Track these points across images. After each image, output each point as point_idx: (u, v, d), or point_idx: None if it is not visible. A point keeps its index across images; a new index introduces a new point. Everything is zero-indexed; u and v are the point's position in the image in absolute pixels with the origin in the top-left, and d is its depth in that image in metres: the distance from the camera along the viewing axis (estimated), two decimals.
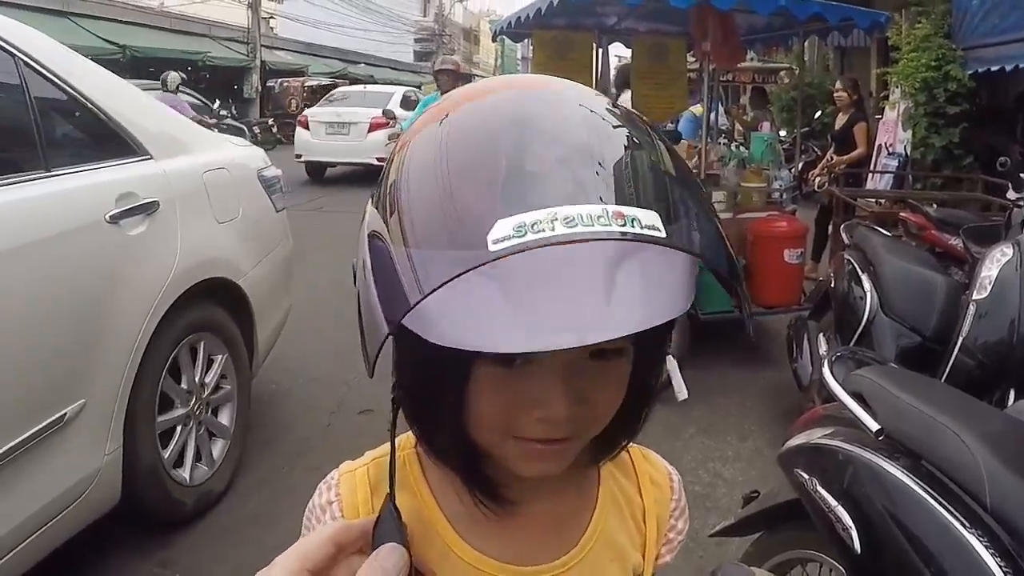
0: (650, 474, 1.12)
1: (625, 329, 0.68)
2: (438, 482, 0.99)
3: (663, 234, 0.66)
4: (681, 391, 0.94)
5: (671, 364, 0.93)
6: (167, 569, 3.62)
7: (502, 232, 0.63)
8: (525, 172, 0.68)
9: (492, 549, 0.97)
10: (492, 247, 0.63)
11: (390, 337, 0.72)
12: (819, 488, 2.29)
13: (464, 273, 0.64)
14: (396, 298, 0.68)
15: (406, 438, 1.00)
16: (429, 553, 0.94)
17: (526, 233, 0.63)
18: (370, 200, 0.79)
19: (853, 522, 2.14)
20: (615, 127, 0.76)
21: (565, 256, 0.66)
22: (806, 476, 2.36)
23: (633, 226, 0.65)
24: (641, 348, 0.85)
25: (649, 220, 0.66)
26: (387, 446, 0.99)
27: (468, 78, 9.52)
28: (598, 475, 1.06)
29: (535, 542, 1.00)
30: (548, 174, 0.68)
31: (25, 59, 3.22)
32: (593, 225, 0.64)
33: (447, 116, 0.77)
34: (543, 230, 0.63)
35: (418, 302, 0.66)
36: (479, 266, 0.64)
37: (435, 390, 0.84)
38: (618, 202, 0.66)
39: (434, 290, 0.65)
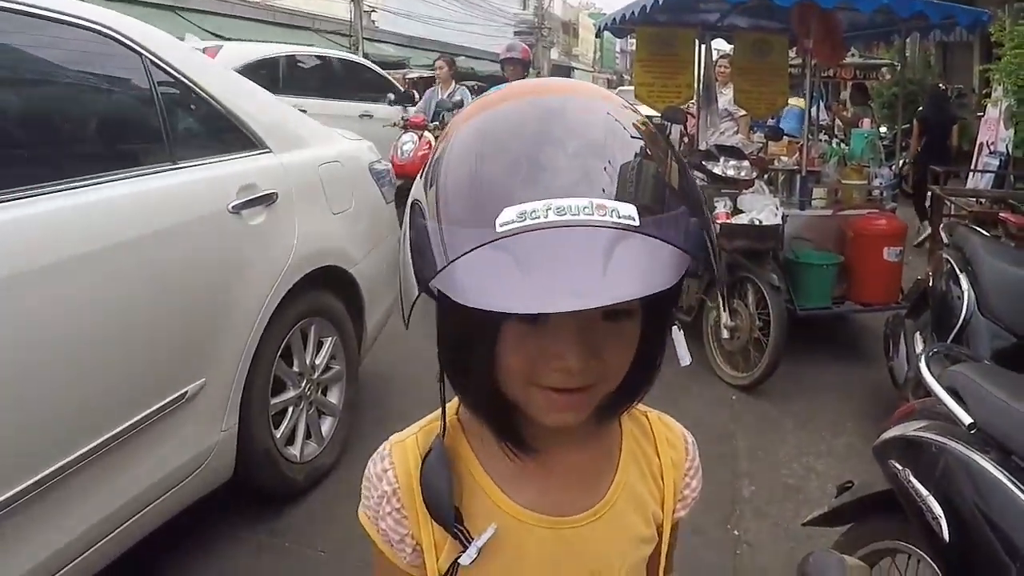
0: (666, 436, 1.25)
1: (616, 297, 0.84)
2: (480, 445, 1.14)
3: (636, 223, 0.82)
4: (684, 357, 1.08)
5: (676, 334, 1.08)
6: (277, 537, 3.78)
7: (508, 217, 0.82)
8: (536, 168, 0.86)
9: (530, 501, 1.11)
10: (499, 228, 0.82)
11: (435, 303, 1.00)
12: (912, 479, 2.34)
13: (475, 249, 0.82)
14: (426, 264, 0.88)
15: (451, 405, 1.17)
16: (475, 506, 1.10)
17: (526, 219, 0.82)
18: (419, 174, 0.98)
19: (943, 512, 2.19)
20: (631, 137, 0.93)
21: (570, 239, 0.82)
22: (899, 467, 2.41)
23: (612, 216, 0.82)
24: (649, 315, 1.00)
25: (627, 212, 0.83)
26: (431, 416, 1.18)
27: (527, 65, 9.39)
28: (620, 435, 1.20)
29: (566, 495, 1.13)
30: (553, 172, 0.86)
31: (152, 58, 3.35)
32: (579, 215, 0.81)
33: (487, 111, 0.97)
34: (539, 217, 0.81)
35: (440, 270, 0.85)
36: (487, 243, 0.82)
37: (470, 347, 1.00)
38: (607, 198, 0.83)
39: (451, 261, 0.84)
